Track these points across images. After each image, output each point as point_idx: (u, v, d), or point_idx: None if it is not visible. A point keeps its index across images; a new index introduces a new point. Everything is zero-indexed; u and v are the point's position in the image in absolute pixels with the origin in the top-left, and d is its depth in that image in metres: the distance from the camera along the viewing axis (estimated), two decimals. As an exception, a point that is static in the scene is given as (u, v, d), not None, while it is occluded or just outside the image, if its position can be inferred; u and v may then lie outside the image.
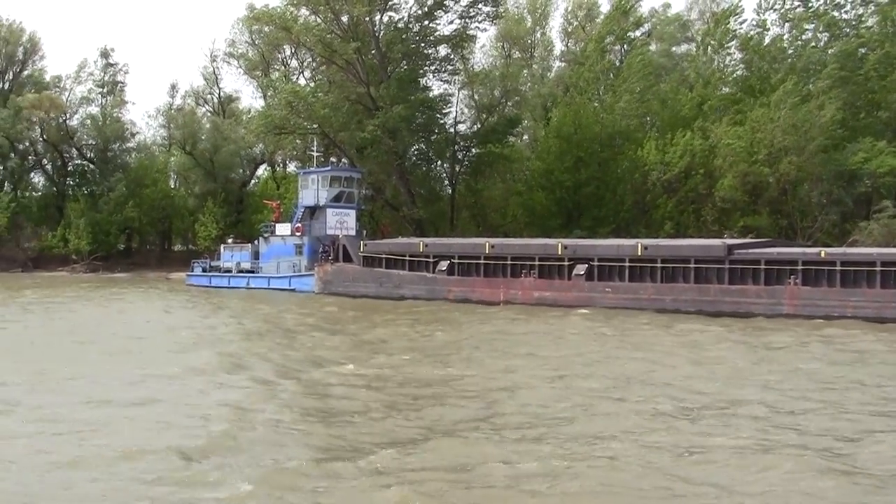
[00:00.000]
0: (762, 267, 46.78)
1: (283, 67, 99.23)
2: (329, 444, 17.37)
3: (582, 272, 51.76)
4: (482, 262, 56.78)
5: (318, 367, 27.09)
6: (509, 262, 55.49)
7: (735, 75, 76.54)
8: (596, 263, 51.76)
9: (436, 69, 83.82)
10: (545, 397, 22.16)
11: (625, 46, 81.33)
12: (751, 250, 48.69)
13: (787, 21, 73.28)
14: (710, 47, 77.17)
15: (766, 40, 73.70)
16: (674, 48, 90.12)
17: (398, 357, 29.44)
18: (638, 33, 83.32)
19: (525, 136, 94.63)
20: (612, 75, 78.53)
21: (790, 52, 72.62)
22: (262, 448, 16.95)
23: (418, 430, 18.55)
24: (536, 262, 54.26)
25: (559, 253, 53.48)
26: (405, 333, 37.40)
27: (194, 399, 21.63)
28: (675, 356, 29.95)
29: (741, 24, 74.79)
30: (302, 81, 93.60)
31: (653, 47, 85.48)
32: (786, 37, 73.64)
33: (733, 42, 75.00)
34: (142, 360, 28.31)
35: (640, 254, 50.47)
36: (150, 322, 42.07)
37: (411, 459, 16.02)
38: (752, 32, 73.96)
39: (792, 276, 45.75)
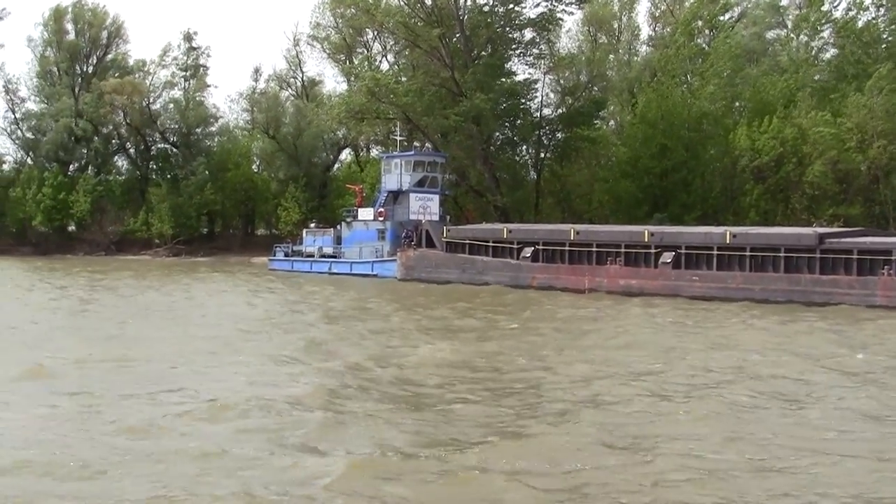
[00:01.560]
0: (854, 257, 46.29)
1: (366, 51, 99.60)
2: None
3: (669, 260, 51.58)
4: (567, 248, 56.74)
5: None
6: (595, 249, 55.38)
7: (829, 61, 75.71)
8: (683, 251, 51.54)
9: (521, 53, 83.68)
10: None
11: (714, 30, 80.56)
12: (843, 239, 48.28)
13: (881, 5, 72.38)
14: (804, 32, 76.34)
15: (860, 24, 72.86)
16: (766, 32, 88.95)
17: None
18: (727, 16, 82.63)
19: (611, 122, 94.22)
20: (700, 60, 77.86)
21: (885, 35, 71.71)
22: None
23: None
24: (622, 250, 54.10)
25: (646, 240, 53.33)
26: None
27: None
28: None
29: (836, 6, 74.00)
30: (385, 65, 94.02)
31: (744, 32, 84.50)
32: (880, 20, 72.73)
33: (828, 26, 74.17)
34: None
35: (728, 242, 50.18)
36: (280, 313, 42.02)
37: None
38: (847, 16, 73.11)
39: (886, 267, 45.24)
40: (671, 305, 44.74)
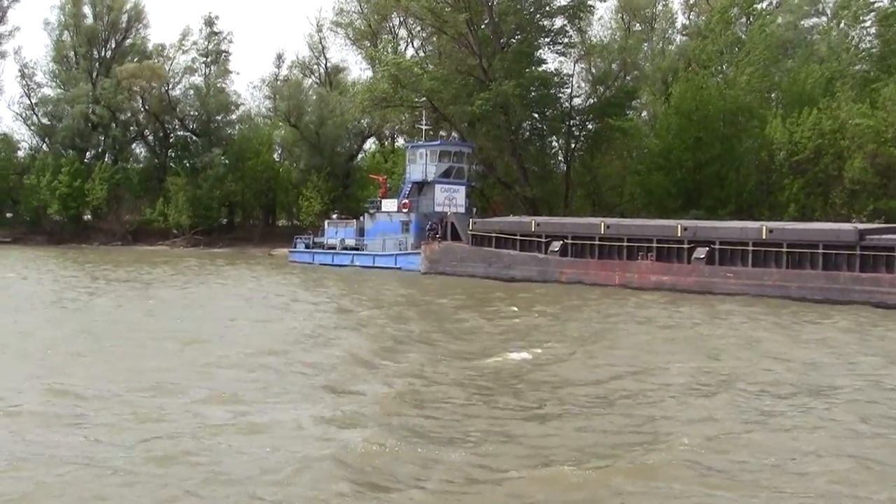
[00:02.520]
0: (897, 254, 45.82)
1: (389, 37, 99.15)
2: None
3: (702, 256, 51.21)
4: (597, 243, 56.45)
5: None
6: (625, 244, 55.11)
7: (871, 51, 75.08)
8: (717, 247, 51.16)
9: (551, 41, 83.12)
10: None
11: (750, 19, 79.94)
12: (884, 236, 47.59)
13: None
14: (844, 21, 75.75)
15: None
16: (802, 21, 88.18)
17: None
18: (764, 4, 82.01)
19: (643, 113, 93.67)
20: (736, 49, 77.27)
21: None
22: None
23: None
24: (654, 244, 53.78)
25: (678, 235, 52.96)
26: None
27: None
28: None
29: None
30: (410, 52, 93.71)
31: (780, 20, 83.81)
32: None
33: (871, 15, 73.58)
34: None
35: (764, 237, 49.73)
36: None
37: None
38: (891, 6, 72.54)
39: (929, 265, 44.81)
40: (760, 307, 42.77)
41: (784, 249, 48.93)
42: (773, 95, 77.47)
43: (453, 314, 39.40)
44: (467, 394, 21.13)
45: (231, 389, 20.88)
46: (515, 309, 40.88)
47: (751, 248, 50.02)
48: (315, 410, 19.03)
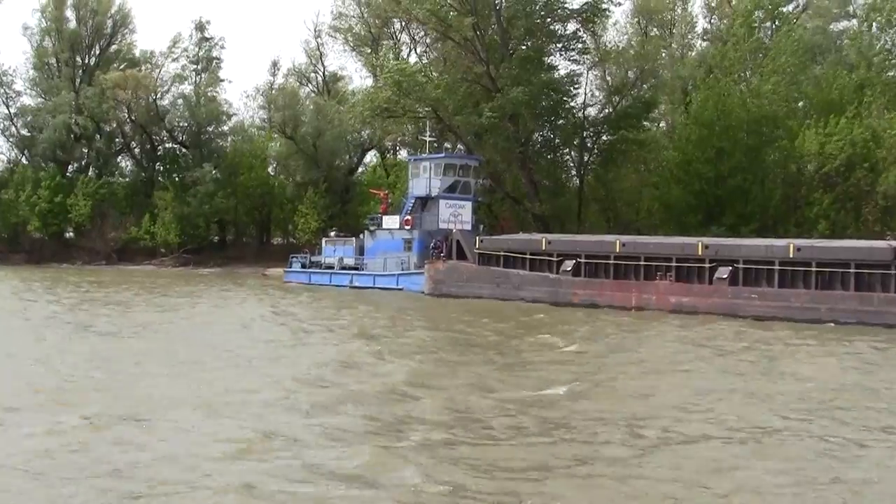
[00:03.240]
0: (934, 274, 45.35)
1: (391, 43, 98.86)
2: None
3: (725, 275, 50.70)
4: (612, 262, 55.98)
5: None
6: (642, 263, 54.58)
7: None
8: (741, 266, 50.67)
9: (563, 47, 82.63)
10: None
11: (776, 23, 79.54)
12: (921, 254, 47.16)
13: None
14: (875, 24, 75.35)
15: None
16: (831, 25, 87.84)
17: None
18: (790, 7, 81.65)
19: (661, 123, 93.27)
20: (760, 55, 76.87)
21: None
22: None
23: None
24: (673, 264, 53.31)
25: (699, 253, 52.52)
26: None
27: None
28: None
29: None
30: (413, 58, 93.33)
31: (808, 25, 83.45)
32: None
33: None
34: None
35: (792, 256, 49.23)
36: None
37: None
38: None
39: (969, 285, 44.34)
40: (811, 331, 42.12)
41: (813, 269, 48.38)
42: (800, 105, 76.99)
43: (477, 340, 38.79)
44: (518, 431, 20.59)
45: (266, 426, 20.50)
46: (549, 336, 39.93)
47: (777, 267, 49.47)
48: (357, 449, 18.66)
